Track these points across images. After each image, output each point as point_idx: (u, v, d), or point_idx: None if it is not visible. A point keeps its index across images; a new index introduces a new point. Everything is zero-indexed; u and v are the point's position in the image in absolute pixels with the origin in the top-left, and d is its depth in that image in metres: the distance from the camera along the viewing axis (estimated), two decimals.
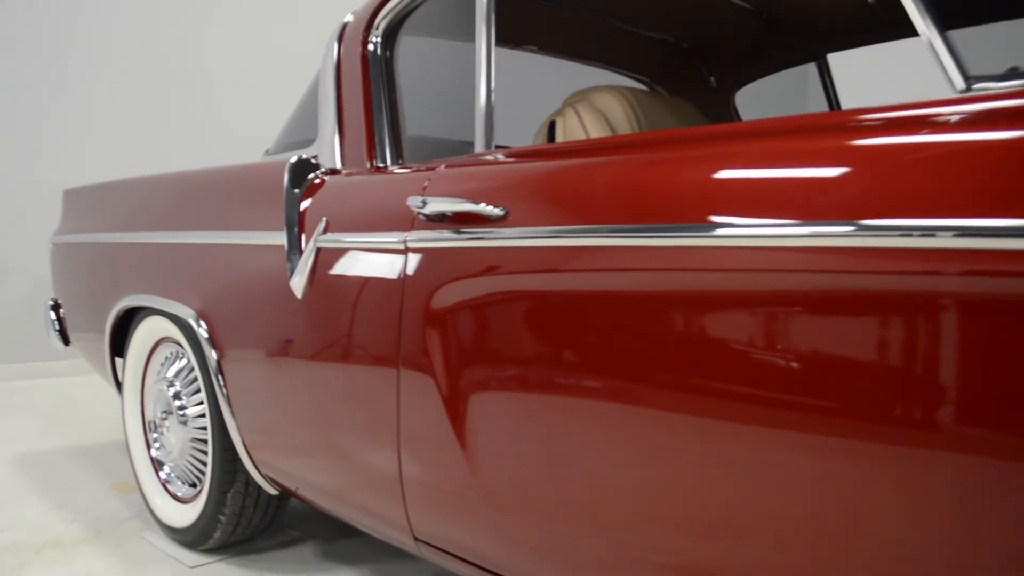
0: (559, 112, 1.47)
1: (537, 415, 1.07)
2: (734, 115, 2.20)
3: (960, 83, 0.81)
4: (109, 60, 4.36)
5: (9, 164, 4.12)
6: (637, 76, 2.29)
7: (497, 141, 1.32)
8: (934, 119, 0.79)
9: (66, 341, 2.52)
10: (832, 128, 0.85)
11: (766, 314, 0.84)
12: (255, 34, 4.57)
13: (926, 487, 0.72)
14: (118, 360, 2.18)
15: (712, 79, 2.20)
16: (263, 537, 1.96)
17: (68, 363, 4.05)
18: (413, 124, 1.60)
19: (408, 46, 1.60)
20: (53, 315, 2.53)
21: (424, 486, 1.24)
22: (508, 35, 2.02)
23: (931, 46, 0.83)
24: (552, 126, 1.47)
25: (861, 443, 0.77)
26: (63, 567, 1.82)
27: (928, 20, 0.84)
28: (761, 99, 2.27)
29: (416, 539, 1.30)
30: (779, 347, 0.82)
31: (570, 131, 1.43)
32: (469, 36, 1.38)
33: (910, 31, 1.77)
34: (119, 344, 2.13)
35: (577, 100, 1.47)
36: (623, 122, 1.41)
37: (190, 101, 4.52)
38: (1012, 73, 0.80)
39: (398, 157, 1.50)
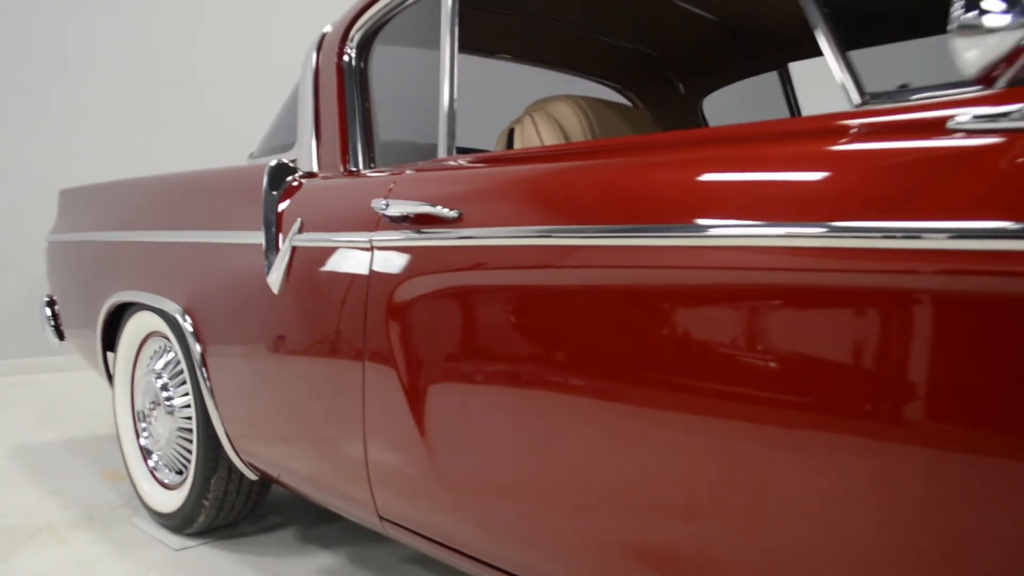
0: (519, 120, 1.57)
1: (490, 403, 1.16)
2: (701, 120, 2.30)
3: (856, 98, 0.90)
4: (105, 62, 4.46)
5: (8, 165, 4.22)
6: (610, 83, 2.39)
7: (478, 144, 1.41)
8: (832, 130, 0.88)
9: (60, 336, 2.61)
10: (733, 139, 0.95)
11: (687, 305, 0.93)
12: (249, 35, 4.66)
13: (891, 479, 0.77)
14: (109, 354, 2.27)
15: (680, 86, 2.29)
16: (246, 522, 2.05)
17: (64, 359, 4.14)
18: (390, 128, 1.69)
19: (383, 55, 1.69)
20: (48, 311, 2.62)
21: (387, 470, 1.34)
22: (483, 45, 2.12)
23: (832, 64, 0.93)
24: (511, 133, 1.56)
25: (827, 435, 0.81)
26: (55, 549, 1.91)
27: (831, 40, 0.93)
28: (735, 105, 2.36)
29: (381, 518, 1.39)
30: (707, 335, 0.91)
31: (526, 138, 1.53)
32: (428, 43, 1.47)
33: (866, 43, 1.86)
34: (110, 338, 2.22)
35: (535, 109, 1.56)
36: (576, 130, 1.50)
37: (186, 102, 4.61)
38: (902, 90, 0.90)
39: (370, 161, 1.60)
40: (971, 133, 0.74)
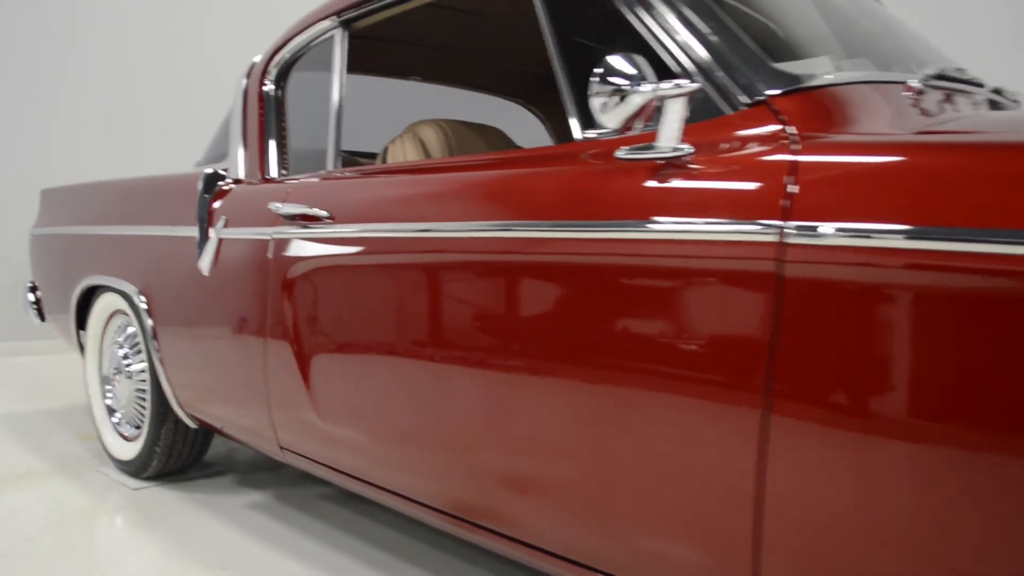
0: (395, 138, 1.97)
1: (355, 357, 1.56)
2: None
3: (578, 133, 1.30)
4: (89, 66, 4.82)
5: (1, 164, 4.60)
6: (515, 100, 2.79)
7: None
8: (564, 154, 1.27)
9: (42, 318, 3.00)
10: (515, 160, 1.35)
11: (468, 276, 1.33)
12: (241, 37, 5.02)
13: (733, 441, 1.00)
14: (82, 332, 2.66)
15: None
16: (193, 470, 2.45)
17: (46, 343, 4.51)
18: (307, 139, 2.08)
19: (298, 81, 2.08)
20: (31, 296, 3.01)
21: (282, 412, 1.74)
22: (394, 69, 2.52)
23: (567, 106, 1.32)
24: (387, 149, 1.96)
25: (646, 392, 1.07)
26: (33, 490, 2.31)
27: (565, 83, 1.32)
28: None
29: (281, 448, 1.80)
30: (480, 298, 1.31)
31: (396, 154, 1.93)
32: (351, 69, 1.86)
33: None
34: (82, 317, 2.62)
35: (408, 129, 1.96)
36: (437, 149, 1.90)
37: (171, 104, 4.93)
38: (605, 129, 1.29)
39: (284, 170, 1.99)
40: (630, 159, 1.13)
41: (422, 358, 1.41)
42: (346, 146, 2.51)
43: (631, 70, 1.09)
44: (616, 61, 1.10)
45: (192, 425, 2.20)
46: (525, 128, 2.79)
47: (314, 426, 1.66)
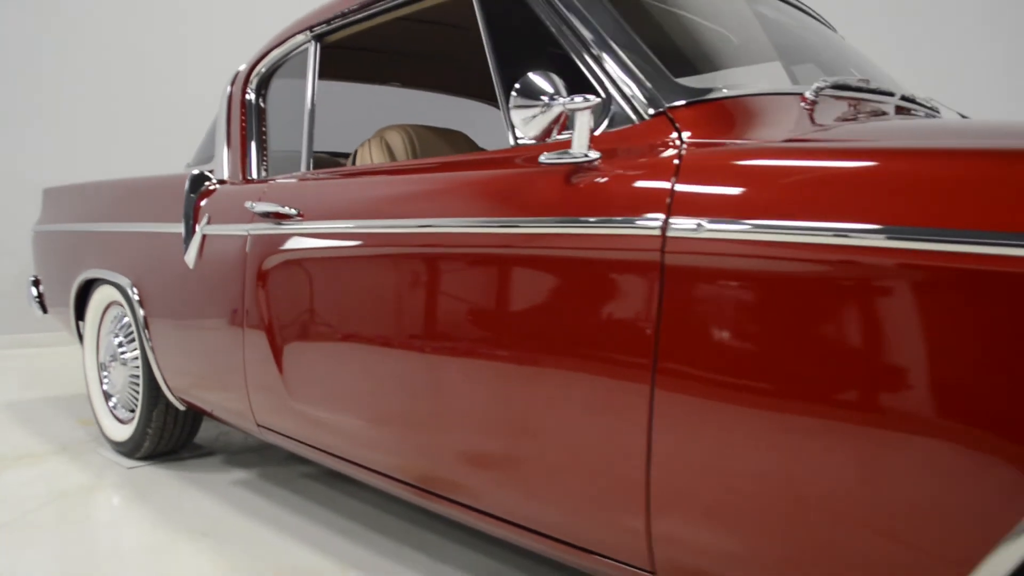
0: (364, 143, 2.12)
1: (322, 342, 1.72)
2: None
3: (512, 140, 1.45)
4: (91, 67, 4.99)
5: (6, 164, 4.77)
6: (484, 102, 2.95)
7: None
8: (499, 159, 1.43)
9: (44, 310, 3.17)
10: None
11: (419, 267, 1.49)
12: (240, 35, 5.19)
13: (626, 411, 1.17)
14: (81, 323, 2.83)
15: None
16: (183, 451, 2.62)
17: (50, 335, 4.70)
18: (287, 142, 2.24)
19: (278, 89, 2.24)
20: (34, 289, 3.19)
21: (259, 393, 1.91)
22: (373, 76, 2.68)
23: (504, 118, 1.48)
24: (356, 152, 2.12)
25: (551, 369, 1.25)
26: (34, 468, 2.48)
27: (502, 95, 1.48)
28: None
29: (258, 426, 1.97)
30: (432, 291, 1.47)
31: (363, 157, 2.09)
32: (325, 76, 2.02)
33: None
34: (81, 308, 2.79)
35: (376, 134, 2.11)
36: (401, 152, 2.05)
37: (174, 105, 5.11)
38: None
39: (264, 171, 2.15)
40: (561, 164, 1.29)
41: (378, 343, 1.58)
42: (339, 148, 2.69)
43: (547, 86, 1.25)
44: (534, 78, 1.26)
45: (181, 408, 2.36)
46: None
47: (286, 405, 1.83)
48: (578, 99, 1.23)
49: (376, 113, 2.70)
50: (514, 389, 1.31)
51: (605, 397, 1.18)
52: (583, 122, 1.24)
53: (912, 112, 1.68)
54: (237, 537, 1.95)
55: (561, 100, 1.24)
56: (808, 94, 1.37)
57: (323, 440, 1.78)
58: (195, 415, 2.48)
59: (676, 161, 1.15)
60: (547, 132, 1.29)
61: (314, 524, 2.03)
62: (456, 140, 2.16)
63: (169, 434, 2.48)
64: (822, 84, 1.39)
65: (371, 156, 2.05)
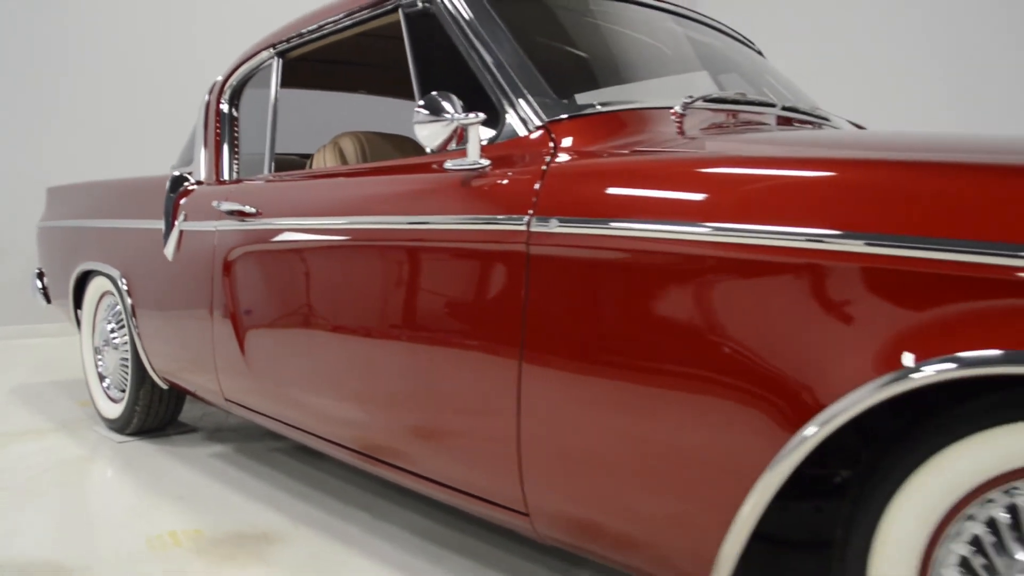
0: (320, 148, 2.36)
1: (277, 325, 1.96)
2: None
3: (428, 149, 1.68)
4: (95, 69, 5.27)
5: (8, 165, 5.07)
6: None
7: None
8: (422, 164, 1.65)
9: (48, 300, 3.44)
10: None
11: (347, 258, 1.72)
12: (239, 36, 5.45)
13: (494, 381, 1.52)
14: (79, 311, 3.09)
15: None
16: (169, 428, 2.88)
17: (56, 326, 4.98)
18: (259, 145, 2.47)
19: (250, 98, 2.48)
20: (38, 281, 3.46)
21: (225, 371, 2.15)
22: (340, 85, 2.92)
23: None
24: (313, 157, 2.36)
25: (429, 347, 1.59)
26: (36, 443, 2.74)
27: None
28: None
29: (225, 399, 2.21)
30: (364, 279, 1.71)
31: (319, 161, 2.32)
32: (294, 86, 2.26)
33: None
34: (79, 297, 3.05)
35: (332, 140, 2.35)
36: (352, 156, 2.28)
37: (176, 106, 5.37)
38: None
39: (235, 173, 2.40)
40: (460, 171, 1.51)
41: (318, 326, 1.82)
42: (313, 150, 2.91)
43: (446, 105, 1.48)
44: (435, 97, 1.49)
45: (164, 387, 2.62)
46: None
47: (247, 381, 2.07)
48: (471, 116, 1.46)
49: (351, 118, 2.94)
50: (422, 364, 1.55)
51: (487, 368, 1.41)
52: (474, 135, 1.47)
53: (796, 123, 1.89)
54: (208, 500, 2.20)
55: (457, 117, 1.47)
56: (677, 108, 1.59)
57: (278, 411, 2.02)
58: (178, 394, 2.74)
59: (544, 168, 1.38)
60: (446, 144, 1.51)
61: (275, 489, 2.27)
62: (403, 144, 2.39)
63: (155, 411, 2.73)
64: (688, 99, 1.60)
65: (325, 160, 2.29)
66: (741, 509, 1.07)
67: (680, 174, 1.21)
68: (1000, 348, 0.86)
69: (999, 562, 0.94)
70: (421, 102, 1.49)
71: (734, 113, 1.76)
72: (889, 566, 1.03)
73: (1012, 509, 0.94)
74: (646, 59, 2.11)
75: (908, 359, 0.92)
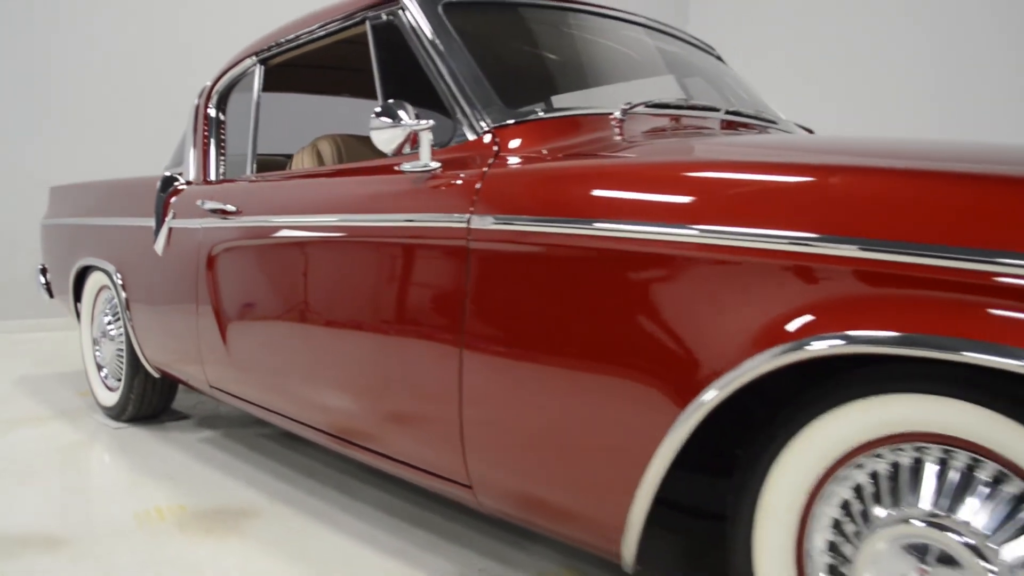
0: (300, 149, 2.50)
1: (253, 317, 2.11)
2: None
3: (388, 152, 1.81)
4: (102, 71, 5.44)
5: (17, 165, 5.24)
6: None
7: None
8: (381, 167, 1.79)
9: (51, 294, 3.60)
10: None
11: (317, 254, 1.86)
12: (240, 36, 5.61)
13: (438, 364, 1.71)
14: (79, 305, 3.25)
15: None
16: (163, 415, 3.03)
17: (61, 321, 5.15)
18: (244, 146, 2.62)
19: (236, 102, 2.62)
20: (42, 277, 3.62)
21: (209, 360, 2.30)
22: (323, 88, 3.05)
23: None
24: (293, 158, 2.50)
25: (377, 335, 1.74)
26: (37, 429, 2.90)
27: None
28: None
29: (210, 386, 2.36)
30: (324, 273, 1.85)
31: (298, 163, 2.46)
32: (278, 90, 2.41)
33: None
34: (79, 292, 3.21)
35: (312, 142, 2.48)
36: (329, 158, 2.42)
37: (175, 101, 5.52)
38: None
39: (220, 174, 2.54)
40: (414, 173, 1.64)
41: (293, 317, 1.96)
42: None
43: (400, 112, 1.61)
44: (390, 104, 1.62)
45: (156, 375, 2.77)
46: None
47: (228, 368, 2.22)
48: (422, 122, 1.60)
49: (340, 121, 3.08)
50: (379, 351, 1.69)
51: (433, 354, 1.55)
52: (425, 140, 1.61)
53: (741, 127, 2.01)
54: (193, 479, 2.35)
55: (410, 123, 1.60)
56: (617, 114, 1.72)
57: (257, 397, 2.16)
58: (170, 383, 2.89)
59: (484, 170, 1.52)
60: (400, 147, 1.64)
61: (257, 470, 2.42)
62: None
63: (149, 399, 2.88)
64: (627, 106, 1.73)
65: (303, 161, 2.43)
66: (646, 475, 1.20)
67: (593, 177, 1.34)
68: (882, 330, 0.96)
69: (864, 520, 1.06)
70: (378, 109, 1.63)
71: (677, 118, 1.89)
72: (770, 529, 1.16)
73: (874, 475, 1.06)
74: (608, 66, 2.24)
75: (799, 334, 1.03)
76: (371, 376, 1.72)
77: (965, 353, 0.89)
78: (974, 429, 0.95)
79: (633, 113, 1.76)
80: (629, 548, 1.27)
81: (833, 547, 1.10)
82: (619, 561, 1.31)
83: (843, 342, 0.99)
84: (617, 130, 1.71)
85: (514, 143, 1.59)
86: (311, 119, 3.08)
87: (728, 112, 1.98)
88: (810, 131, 2.35)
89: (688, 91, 2.37)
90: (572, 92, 2.17)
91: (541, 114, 1.67)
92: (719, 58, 2.63)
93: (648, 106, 1.81)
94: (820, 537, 1.11)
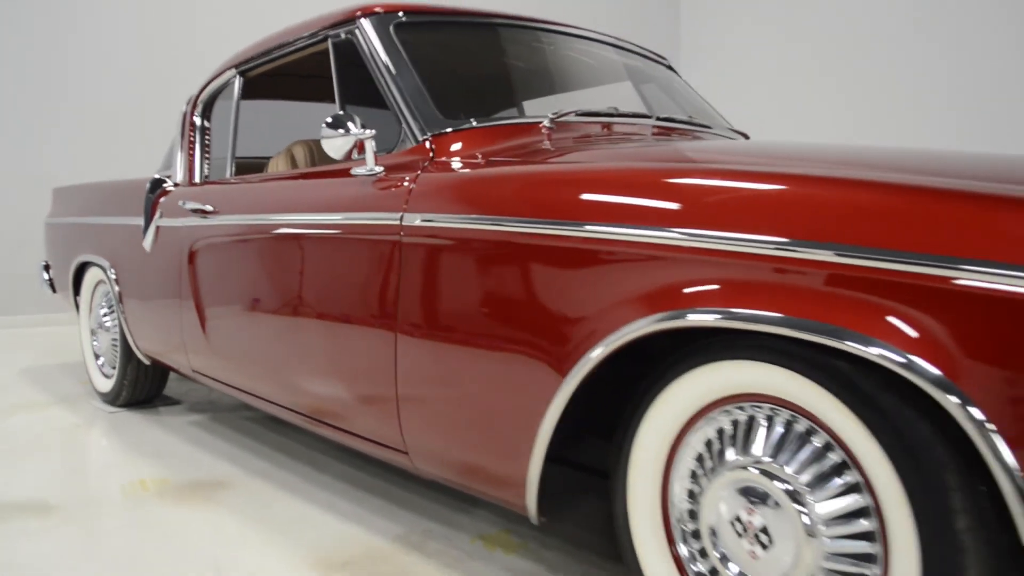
0: (277, 154, 2.71)
1: (227, 307, 2.32)
2: None
3: (337, 157, 2.02)
4: (108, 75, 5.68)
5: (31, 164, 5.49)
6: None
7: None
8: (340, 170, 2.00)
9: (53, 289, 3.83)
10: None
11: (282, 249, 2.07)
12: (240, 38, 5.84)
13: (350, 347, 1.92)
14: (78, 298, 3.48)
15: None
16: (155, 400, 3.25)
17: (66, 316, 5.38)
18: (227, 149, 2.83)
19: (220, 110, 2.83)
20: (45, 273, 3.85)
21: (191, 347, 2.51)
22: (307, 96, 3.26)
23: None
24: (270, 161, 2.71)
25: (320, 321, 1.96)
26: (38, 413, 3.13)
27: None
28: None
29: (193, 371, 2.57)
30: (283, 270, 2.06)
31: (273, 166, 2.67)
32: (258, 97, 2.62)
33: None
34: (78, 286, 3.43)
35: (287, 147, 2.69)
36: (303, 162, 2.62)
37: (177, 104, 5.79)
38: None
39: (206, 177, 2.75)
40: (361, 176, 1.84)
41: (261, 307, 2.16)
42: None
43: (347, 122, 1.81)
44: (340, 116, 1.82)
45: (147, 362, 2.99)
46: None
47: (208, 355, 2.43)
48: (366, 131, 1.80)
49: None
50: (332, 336, 1.89)
51: (374, 338, 1.75)
52: (369, 147, 1.81)
53: (675, 133, 2.19)
54: (180, 457, 2.56)
55: (356, 132, 1.80)
56: (545, 122, 1.91)
57: (232, 379, 2.37)
58: (161, 370, 3.11)
59: (418, 174, 1.72)
60: (349, 154, 1.84)
61: (237, 448, 2.63)
62: None
63: (141, 385, 3.10)
64: (555, 115, 1.92)
65: (279, 165, 2.64)
66: (539, 435, 1.40)
67: (498, 181, 1.54)
68: (752, 309, 1.11)
69: (711, 468, 1.25)
70: (329, 119, 1.83)
71: (608, 126, 2.08)
72: (640, 480, 1.35)
73: (720, 431, 1.25)
74: (551, 77, 2.43)
75: (677, 306, 1.20)
76: (325, 358, 1.92)
77: (783, 329, 1.08)
78: (791, 390, 1.14)
79: (565, 121, 1.95)
80: (531, 502, 1.46)
81: (691, 494, 1.29)
82: (527, 514, 1.50)
83: (718, 316, 1.15)
84: (545, 137, 1.90)
85: (454, 147, 1.79)
86: (293, 124, 3.28)
87: (660, 119, 2.17)
88: (745, 136, 2.53)
89: (647, 99, 2.56)
90: (519, 102, 2.36)
91: (474, 123, 1.86)
92: (669, 67, 2.82)
93: (579, 114, 2.01)
94: (680, 485, 1.30)
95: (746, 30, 7.52)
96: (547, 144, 1.88)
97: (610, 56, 2.57)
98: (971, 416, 0.92)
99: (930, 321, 0.97)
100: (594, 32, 2.51)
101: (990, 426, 0.92)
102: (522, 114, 2.60)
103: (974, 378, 0.93)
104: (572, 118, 1.99)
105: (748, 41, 7.47)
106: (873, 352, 0.99)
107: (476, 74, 2.26)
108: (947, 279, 0.96)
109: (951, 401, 0.94)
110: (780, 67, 7.14)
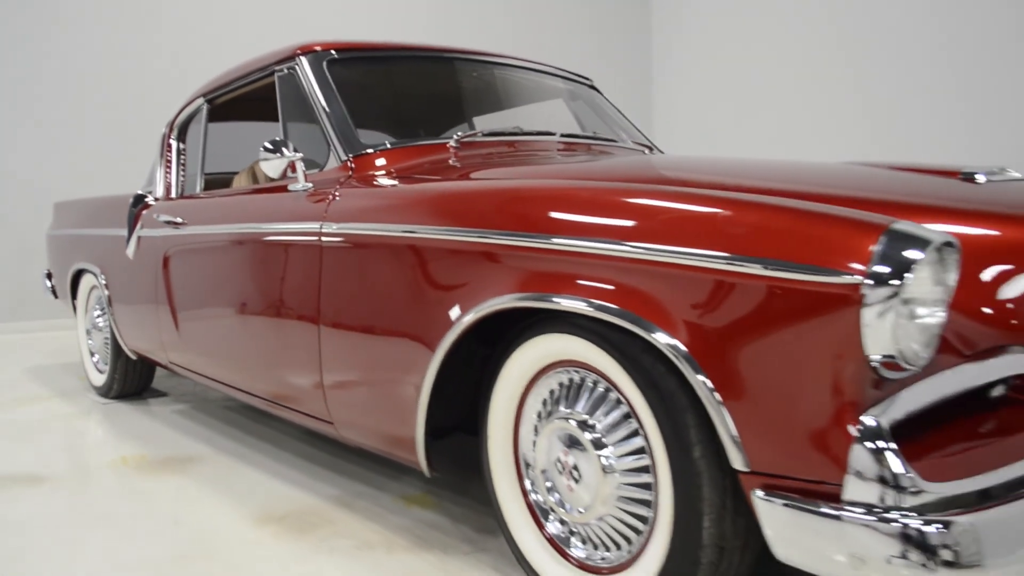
0: (241, 170, 3.05)
1: (194, 307, 2.67)
2: None
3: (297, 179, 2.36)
4: (107, 87, 6.07)
5: (41, 177, 5.89)
6: None
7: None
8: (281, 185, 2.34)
9: (55, 295, 4.21)
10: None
11: (236, 256, 2.41)
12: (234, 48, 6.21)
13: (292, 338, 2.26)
14: (75, 302, 3.84)
15: None
16: (145, 394, 3.61)
17: (70, 321, 5.76)
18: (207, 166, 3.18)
19: (193, 131, 3.18)
20: (47, 280, 4.23)
21: (167, 342, 2.86)
22: (270, 117, 3.61)
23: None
24: (235, 177, 3.06)
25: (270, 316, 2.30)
26: (40, 405, 3.49)
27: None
28: None
29: (169, 363, 2.93)
30: (235, 275, 2.40)
31: (237, 182, 3.01)
32: (225, 120, 2.98)
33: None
34: (75, 291, 3.80)
35: (250, 164, 3.04)
36: (263, 178, 2.96)
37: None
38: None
39: (180, 192, 3.10)
40: (296, 191, 2.18)
41: (219, 305, 2.51)
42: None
43: (281, 146, 2.15)
44: (276, 140, 2.16)
45: (134, 358, 3.34)
46: None
47: (180, 348, 2.78)
48: (297, 153, 2.14)
49: None
50: (273, 329, 2.24)
51: (303, 329, 2.08)
52: (300, 167, 2.15)
53: (580, 149, 2.52)
54: (160, 440, 2.91)
55: (288, 154, 2.14)
56: (452, 143, 2.24)
57: (201, 368, 2.72)
58: (148, 365, 3.46)
59: (338, 188, 2.06)
60: (284, 173, 2.19)
61: (211, 431, 2.98)
62: None
63: (131, 379, 3.47)
64: (461, 135, 2.25)
65: (242, 180, 2.99)
66: (420, 397, 1.72)
67: (392, 195, 1.89)
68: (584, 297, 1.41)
69: (546, 417, 1.57)
70: (267, 144, 2.17)
71: (513, 143, 2.41)
72: (497, 430, 1.67)
73: (552, 391, 1.58)
74: (474, 101, 2.77)
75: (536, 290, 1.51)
76: (270, 348, 2.26)
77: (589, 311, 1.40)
78: (589, 356, 1.47)
79: (472, 140, 2.29)
80: (421, 458, 1.79)
81: (533, 442, 1.62)
82: (421, 469, 1.83)
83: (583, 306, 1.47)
84: (453, 155, 2.24)
85: (375, 164, 2.12)
86: (258, 143, 3.63)
87: (563, 135, 2.50)
88: (651, 150, 2.83)
89: (580, 117, 2.90)
90: (446, 125, 2.70)
91: (388, 144, 2.20)
92: (592, 86, 3.14)
93: (485, 134, 2.34)
94: (526, 433, 1.63)
95: (715, 27, 7.74)
96: (454, 161, 2.21)
97: (535, 79, 2.89)
98: (694, 370, 1.24)
99: (671, 299, 1.29)
100: (521, 60, 2.84)
101: (702, 379, 1.23)
102: (447, 136, 2.94)
103: (701, 343, 1.25)
104: (479, 137, 2.32)
105: (715, 38, 7.70)
106: (630, 326, 1.31)
107: (401, 101, 2.60)
108: (677, 265, 1.28)
109: (684, 363, 1.25)
110: (745, 62, 7.38)
